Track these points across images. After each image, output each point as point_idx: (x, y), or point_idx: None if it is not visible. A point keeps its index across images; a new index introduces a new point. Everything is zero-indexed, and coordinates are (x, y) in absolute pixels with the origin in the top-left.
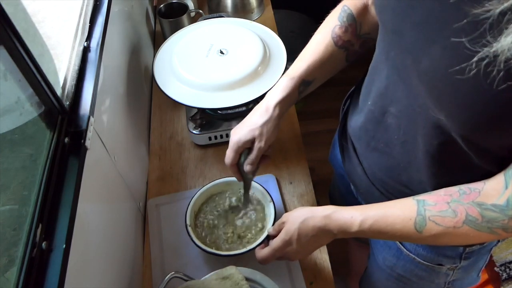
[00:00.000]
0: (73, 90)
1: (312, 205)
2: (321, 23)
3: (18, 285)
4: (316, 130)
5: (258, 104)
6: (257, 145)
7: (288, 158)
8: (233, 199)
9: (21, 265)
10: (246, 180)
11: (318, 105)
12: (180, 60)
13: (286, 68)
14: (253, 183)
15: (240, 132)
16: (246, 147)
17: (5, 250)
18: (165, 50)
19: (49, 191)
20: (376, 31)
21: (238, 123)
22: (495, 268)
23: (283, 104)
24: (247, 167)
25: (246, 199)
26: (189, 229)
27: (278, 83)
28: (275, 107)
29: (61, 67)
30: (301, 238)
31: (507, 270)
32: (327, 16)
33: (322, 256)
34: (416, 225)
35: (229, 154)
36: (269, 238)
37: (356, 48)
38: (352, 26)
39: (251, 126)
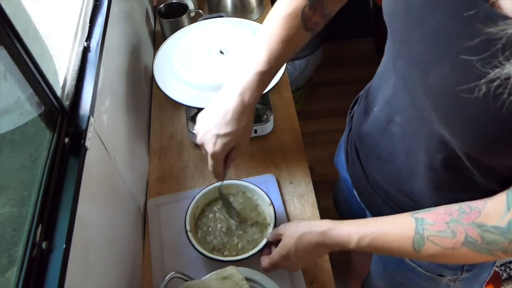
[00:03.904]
0: (73, 90)
1: (312, 205)
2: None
3: (18, 285)
4: (316, 130)
5: (228, 96)
6: (240, 147)
7: (288, 158)
8: (234, 204)
9: (21, 265)
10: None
11: (318, 105)
12: (180, 60)
13: (286, 68)
14: (252, 187)
15: (222, 139)
16: None
17: (5, 250)
18: (165, 50)
19: (49, 191)
20: (337, 7)
21: None
22: (495, 268)
23: (257, 100)
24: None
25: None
26: (189, 234)
27: (254, 74)
28: (250, 104)
29: (61, 67)
30: (299, 253)
31: (507, 270)
32: None
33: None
34: (414, 244)
35: (218, 166)
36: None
37: (319, 28)
38: (320, 5)
39: (230, 129)
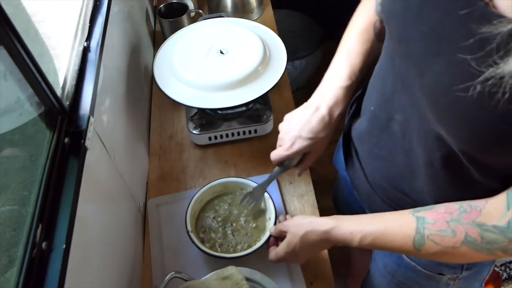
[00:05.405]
0: (73, 90)
1: (312, 205)
2: (322, 22)
3: (18, 285)
4: None
5: (317, 105)
6: (313, 156)
7: None
8: (234, 201)
9: (21, 265)
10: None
11: None
12: (180, 60)
13: (286, 68)
14: (251, 183)
15: (301, 141)
16: None
17: (5, 251)
18: (165, 50)
19: (49, 191)
20: None
21: (238, 123)
22: (496, 268)
23: (342, 115)
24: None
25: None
26: (191, 235)
27: (338, 89)
28: (336, 118)
29: (61, 67)
30: (304, 248)
31: (507, 269)
32: (328, 16)
33: (322, 256)
34: (414, 243)
35: (283, 155)
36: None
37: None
38: None
39: (312, 135)
